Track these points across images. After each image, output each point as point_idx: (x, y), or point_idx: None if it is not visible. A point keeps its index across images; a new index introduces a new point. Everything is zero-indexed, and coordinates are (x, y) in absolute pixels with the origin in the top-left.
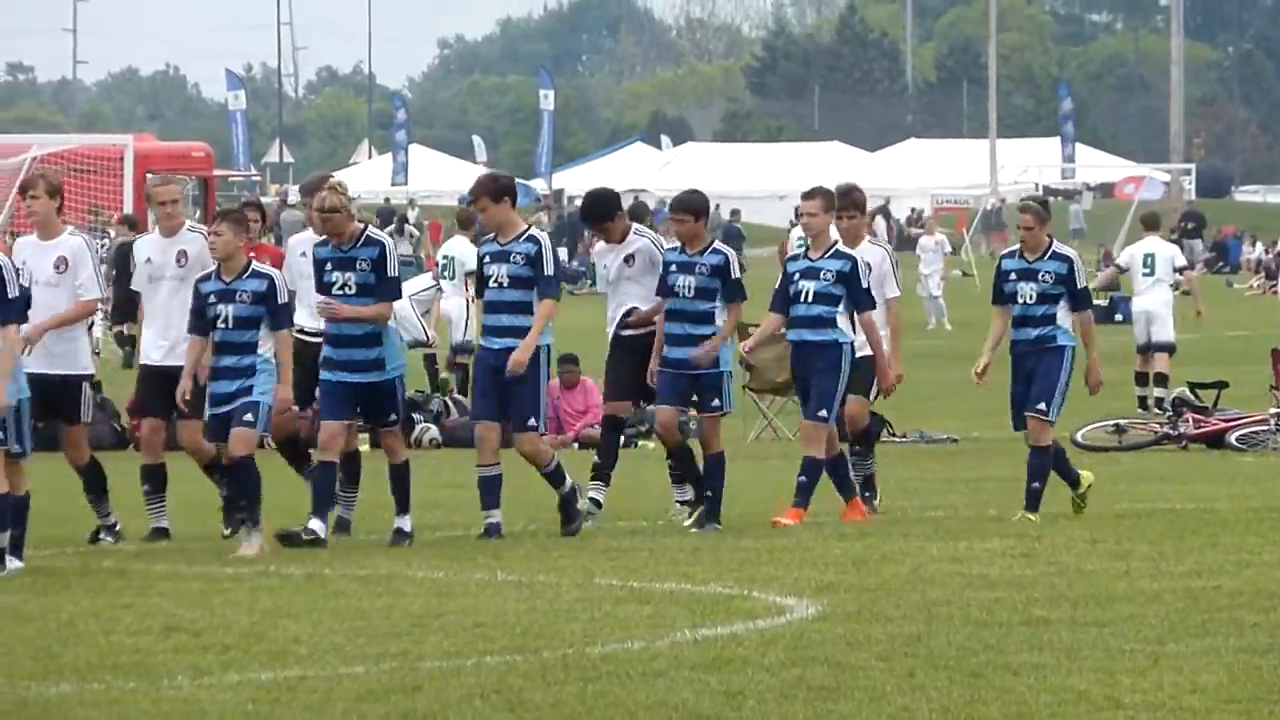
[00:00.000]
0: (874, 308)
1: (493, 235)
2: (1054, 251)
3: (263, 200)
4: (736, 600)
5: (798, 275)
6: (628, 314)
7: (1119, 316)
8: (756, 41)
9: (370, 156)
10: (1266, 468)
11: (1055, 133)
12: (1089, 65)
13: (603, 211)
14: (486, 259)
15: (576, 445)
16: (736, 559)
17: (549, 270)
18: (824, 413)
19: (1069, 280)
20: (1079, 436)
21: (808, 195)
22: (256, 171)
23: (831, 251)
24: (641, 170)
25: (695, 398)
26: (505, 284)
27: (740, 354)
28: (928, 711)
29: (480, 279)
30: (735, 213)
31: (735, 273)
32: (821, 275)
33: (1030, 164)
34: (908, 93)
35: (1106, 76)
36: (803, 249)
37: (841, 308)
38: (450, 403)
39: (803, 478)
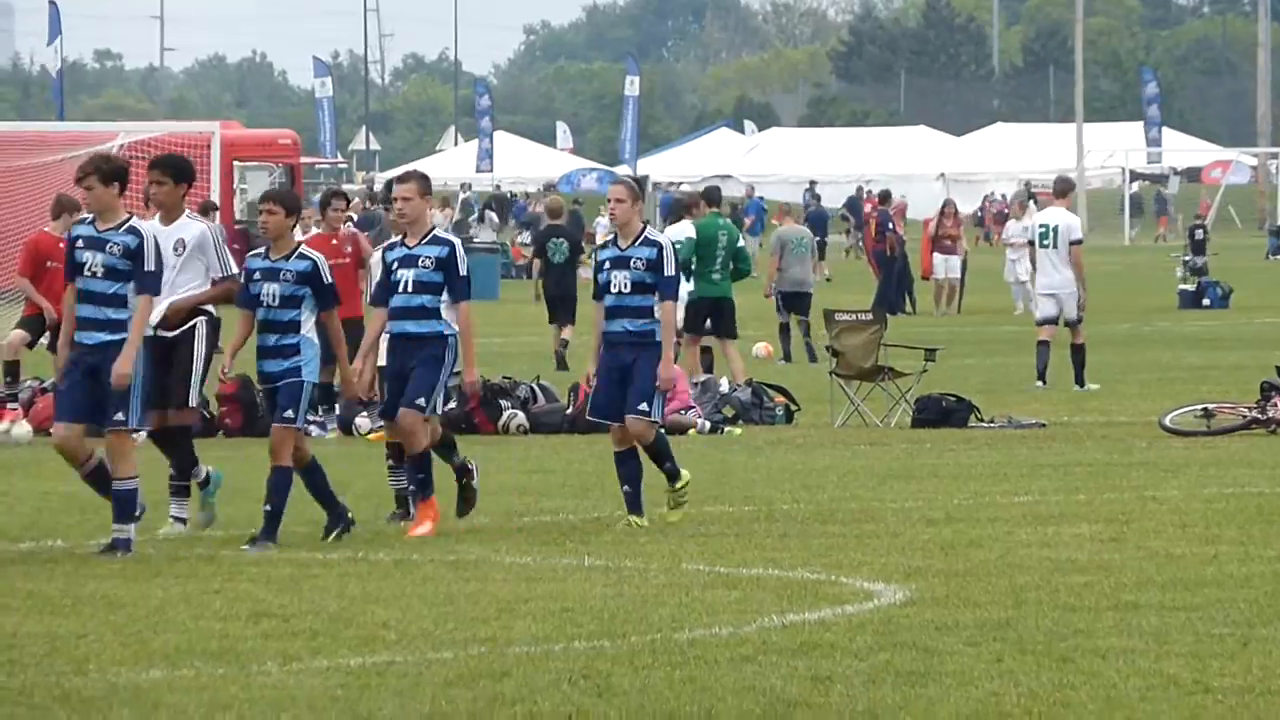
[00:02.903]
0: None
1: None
2: (646, 238)
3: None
4: (824, 585)
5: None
6: None
7: (1206, 301)
8: (843, 26)
9: (456, 144)
10: None
11: (1141, 117)
12: (1176, 49)
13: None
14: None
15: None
16: (824, 544)
17: (149, 267)
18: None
19: (659, 268)
20: (1167, 421)
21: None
22: (343, 159)
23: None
24: (726, 156)
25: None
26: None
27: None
28: (1016, 696)
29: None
30: (816, 196)
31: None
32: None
33: (1116, 148)
34: (994, 77)
35: (1193, 60)
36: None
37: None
38: (537, 389)
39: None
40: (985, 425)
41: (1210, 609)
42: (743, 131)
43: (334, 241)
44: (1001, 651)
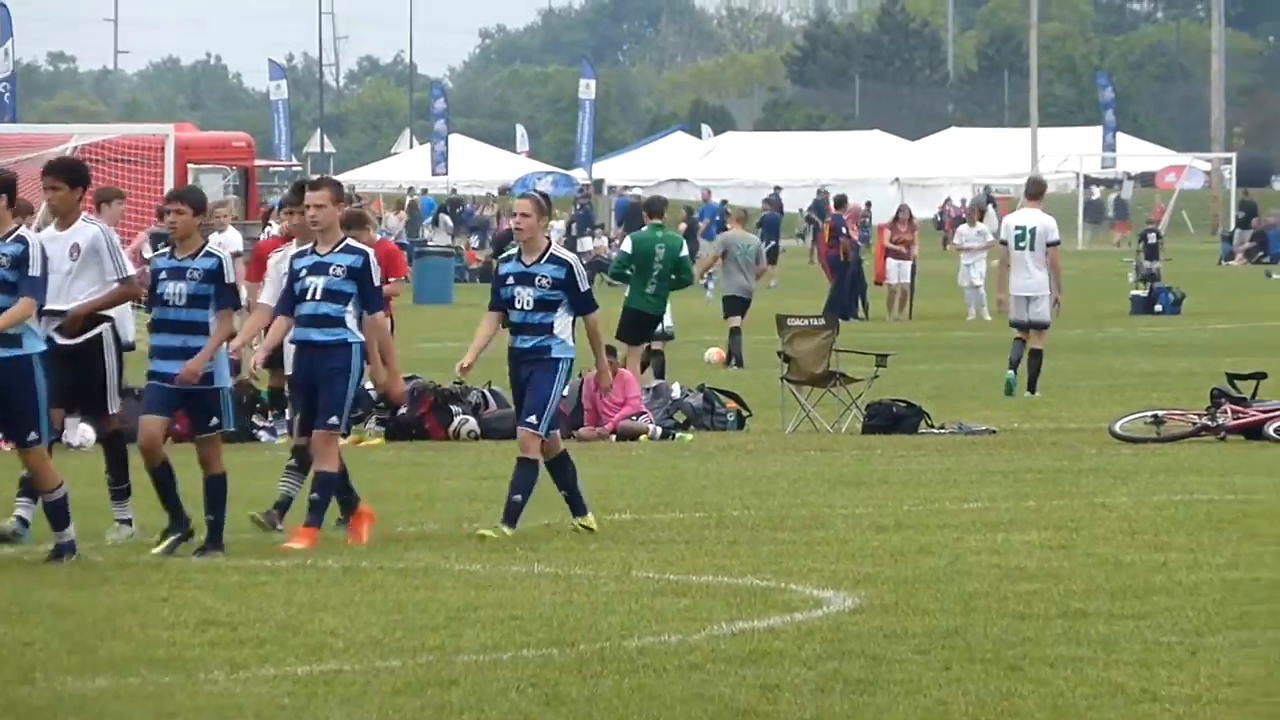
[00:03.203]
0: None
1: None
2: (553, 255)
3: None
4: (773, 593)
5: (511, 280)
6: None
7: (1158, 307)
8: (798, 30)
9: (411, 146)
10: None
11: (1096, 122)
12: (1130, 54)
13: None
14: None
15: (614, 437)
16: (773, 551)
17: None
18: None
19: (569, 285)
20: (1117, 427)
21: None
22: (298, 162)
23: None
24: (682, 160)
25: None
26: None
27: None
28: (964, 705)
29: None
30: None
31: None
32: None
33: (1071, 153)
34: (949, 82)
35: (1148, 65)
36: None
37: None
38: (489, 394)
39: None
40: (936, 431)
41: (1159, 617)
42: (699, 136)
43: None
44: (950, 659)
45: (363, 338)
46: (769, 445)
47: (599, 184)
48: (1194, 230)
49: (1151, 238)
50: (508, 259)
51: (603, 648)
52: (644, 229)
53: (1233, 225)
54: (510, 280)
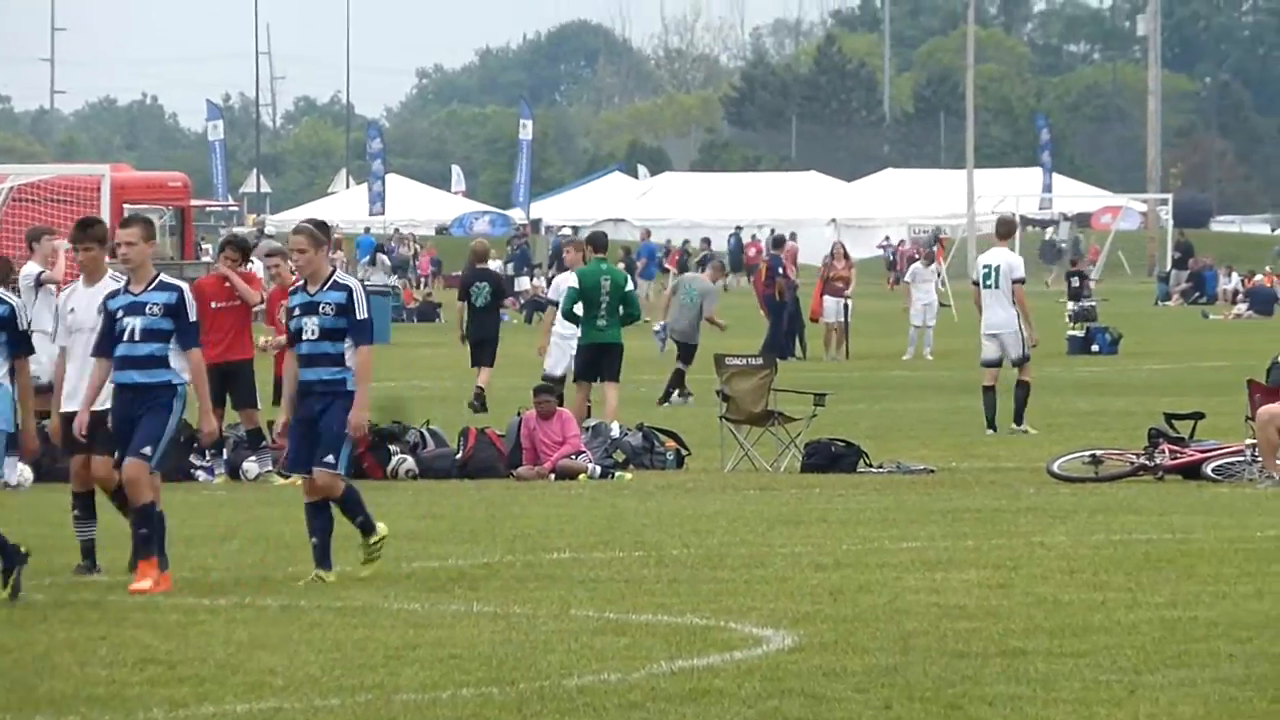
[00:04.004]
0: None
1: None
2: (335, 281)
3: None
4: (713, 631)
5: (298, 311)
6: None
7: (1095, 347)
8: (734, 71)
9: (348, 186)
10: (1243, 499)
11: (1033, 163)
12: (1066, 96)
13: None
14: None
15: (553, 476)
16: (713, 589)
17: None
18: (331, 458)
19: (349, 310)
20: (1055, 467)
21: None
22: (234, 201)
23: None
24: (620, 200)
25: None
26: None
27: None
28: None
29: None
30: (706, 241)
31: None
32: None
33: (1008, 194)
34: (885, 123)
35: (1084, 107)
36: (302, 283)
37: (173, 343)
38: (427, 434)
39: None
40: (874, 470)
41: (1098, 655)
42: (636, 176)
43: (226, 284)
44: (890, 698)
45: (186, 378)
46: (708, 484)
47: (536, 224)
48: (1130, 271)
49: (1075, 280)
50: (295, 291)
51: (542, 686)
52: (586, 265)
53: (1169, 266)
54: (297, 311)
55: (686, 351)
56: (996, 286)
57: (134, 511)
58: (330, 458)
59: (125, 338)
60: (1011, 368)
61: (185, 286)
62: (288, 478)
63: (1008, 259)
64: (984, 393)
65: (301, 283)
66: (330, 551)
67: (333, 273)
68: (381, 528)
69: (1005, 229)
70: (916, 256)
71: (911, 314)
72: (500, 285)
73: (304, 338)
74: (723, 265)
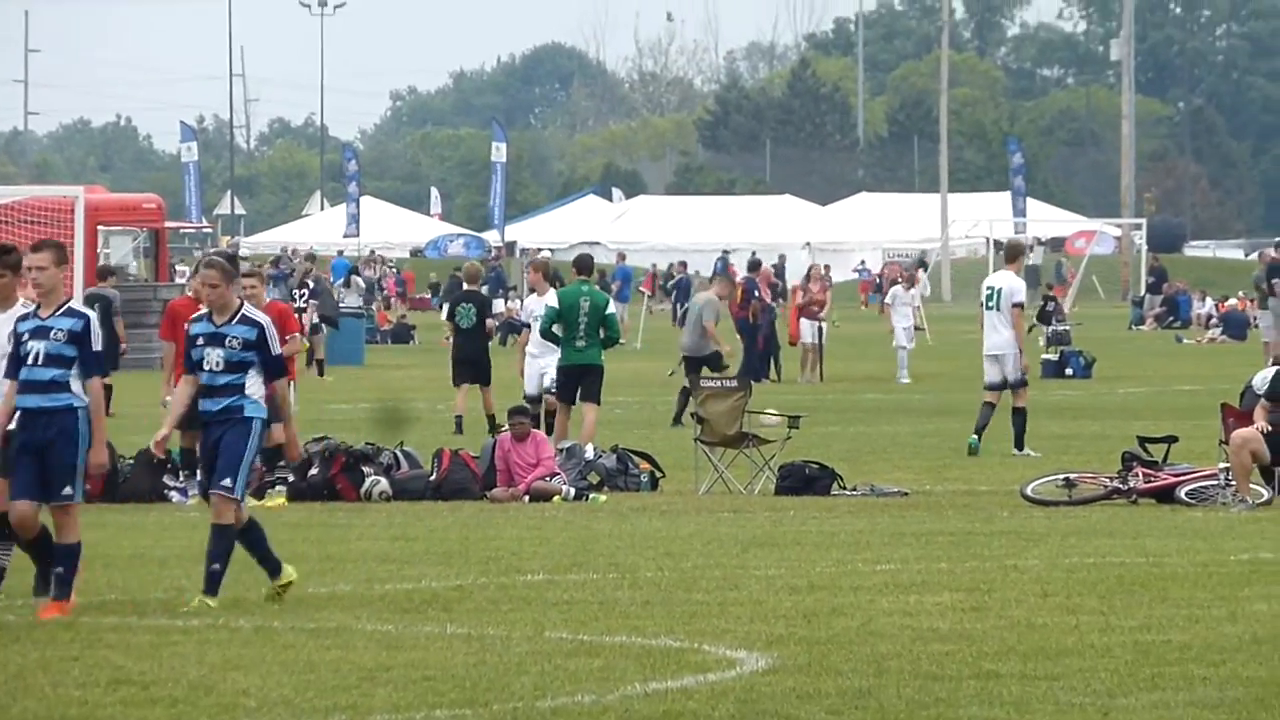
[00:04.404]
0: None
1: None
2: (244, 315)
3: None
4: (687, 653)
5: (201, 340)
6: None
7: (1069, 371)
8: (709, 95)
9: (322, 208)
10: (1216, 523)
11: (1006, 187)
12: (1040, 120)
13: None
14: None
15: (527, 498)
16: (687, 612)
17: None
18: (227, 481)
19: (260, 346)
20: (1028, 490)
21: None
22: (208, 223)
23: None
24: (594, 223)
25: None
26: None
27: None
28: None
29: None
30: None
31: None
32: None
33: (981, 218)
34: (859, 147)
35: (1058, 131)
36: (208, 313)
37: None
38: (400, 455)
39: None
40: (848, 493)
41: (1071, 678)
42: (610, 199)
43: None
44: None
45: (87, 401)
46: (682, 506)
47: (511, 246)
48: (1104, 295)
49: (1049, 304)
50: (199, 319)
51: (516, 708)
52: (567, 286)
53: (1143, 290)
54: (200, 341)
55: (694, 367)
56: (998, 308)
57: (56, 548)
58: (227, 480)
59: (29, 362)
60: (1009, 390)
61: (92, 315)
62: (261, 499)
63: (1010, 282)
64: (982, 406)
65: (206, 312)
66: (275, 556)
67: (241, 306)
68: (289, 571)
69: (1013, 252)
70: (898, 279)
71: (895, 337)
72: (486, 307)
73: (206, 368)
74: (730, 281)
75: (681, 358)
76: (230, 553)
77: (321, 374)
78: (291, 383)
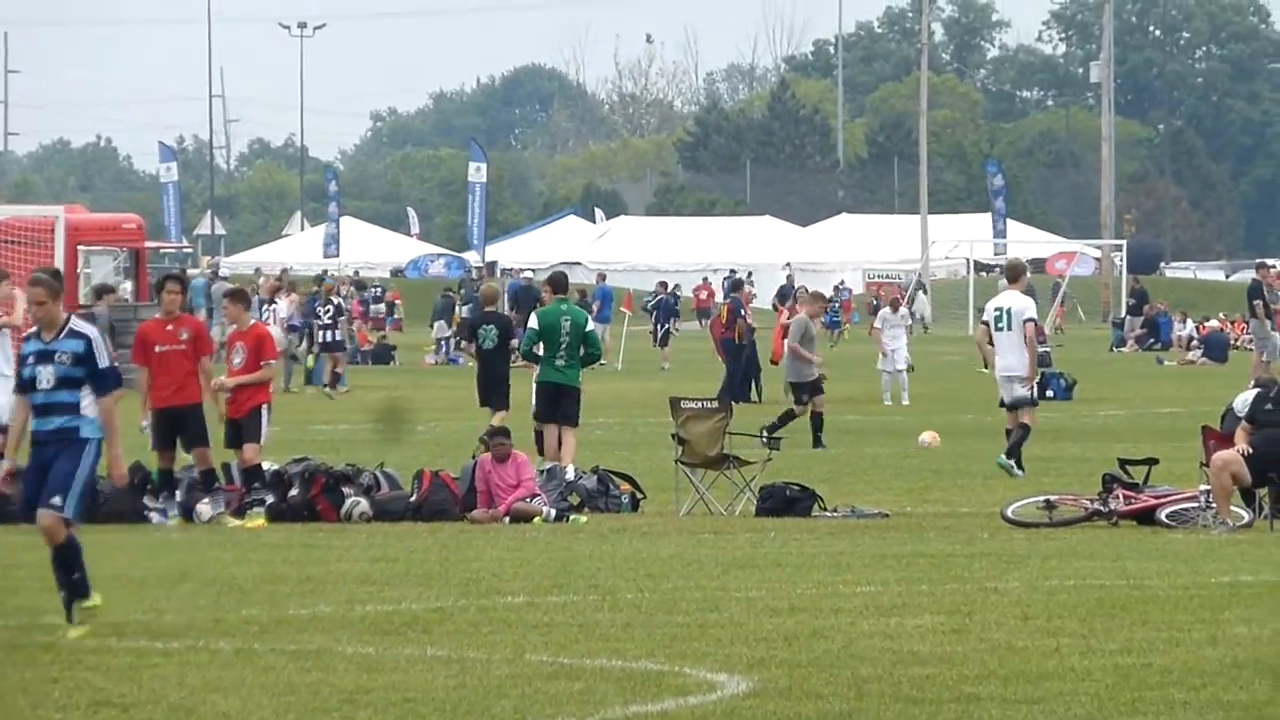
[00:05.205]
0: (110, 390)
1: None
2: (72, 330)
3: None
4: (668, 677)
5: (31, 359)
6: None
7: (1050, 393)
8: (689, 116)
9: (303, 228)
10: (1197, 545)
11: (986, 208)
12: (1020, 142)
13: None
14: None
15: (508, 519)
16: (668, 634)
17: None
18: (58, 499)
19: (88, 359)
20: (1009, 511)
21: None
22: (188, 243)
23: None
24: (575, 243)
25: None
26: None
27: None
28: None
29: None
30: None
31: (102, 360)
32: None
33: (961, 239)
34: (839, 168)
35: (1038, 153)
36: (36, 330)
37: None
38: (381, 476)
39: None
40: (829, 515)
41: (1052, 702)
42: (591, 219)
43: (169, 326)
44: None
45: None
46: (663, 528)
47: (491, 266)
48: (1085, 317)
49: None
50: (29, 338)
51: None
52: (547, 305)
53: (1124, 312)
54: (31, 360)
55: (793, 390)
56: (1010, 329)
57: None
58: (57, 499)
59: (39, 385)
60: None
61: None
62: (241, 519)
63: (1018, 301)
64: (1007, 435)
65: (35, 330)
66: (88, 578)
67: (68, 320)
68: (96, 598)
69: (1014, 271)
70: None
71: (880, 361)
72: (508, 328)
73: (39, 387)
74: (817, 296)
75: (788, 384)
76: (80, 556)
77: (335, 385)
78: (267, 405)
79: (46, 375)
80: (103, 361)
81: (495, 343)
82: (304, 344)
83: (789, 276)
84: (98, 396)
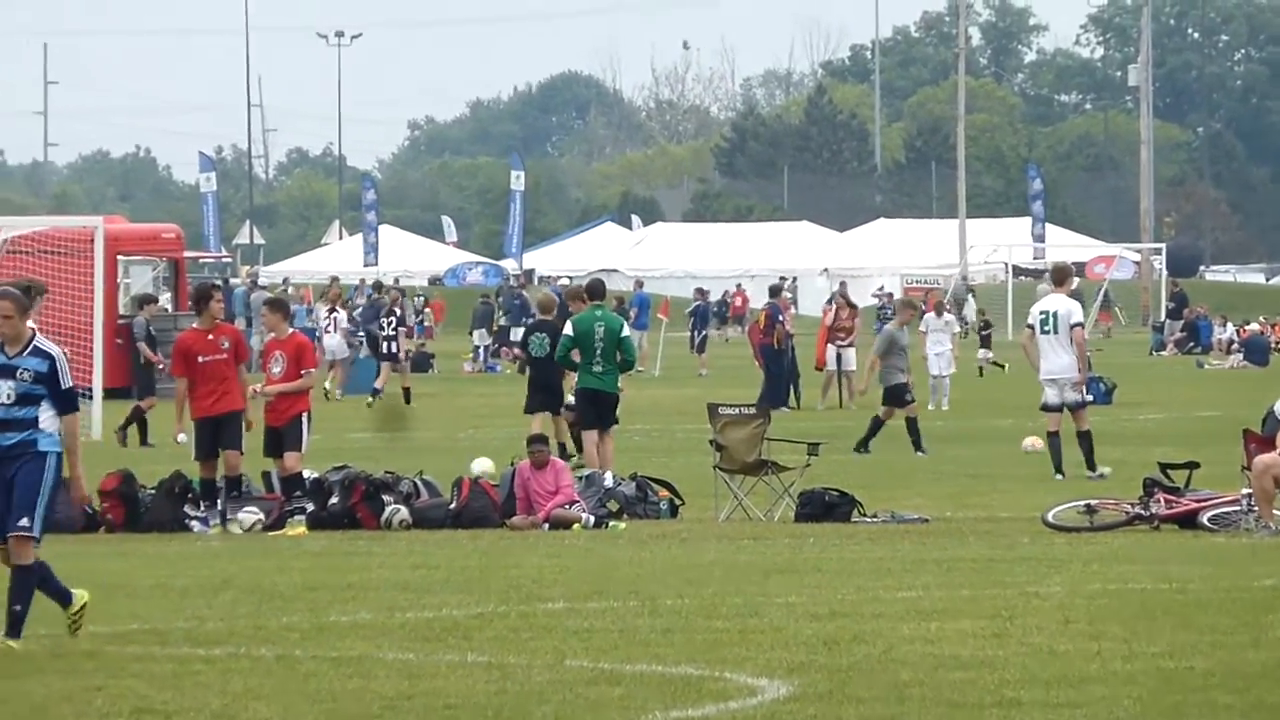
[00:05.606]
0: (74, 409)
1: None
2: (36, 347)
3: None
4: (708, 681)
5: None
6: None
7: (1090, 397)
8: (726, 122)
9: (341, 237)
10: (1238, 548)
11: (1025, 212)
12: (1058, 146)
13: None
14: None
15: (547, 526)
16: (708, 640)
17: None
18: (25, 521)
19: (51, 380)
20: (1050, 516)
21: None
22: (227, 253)
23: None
24: (612, 250)
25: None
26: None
27: None
28: None
29: None
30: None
31: (65, 380)
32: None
33: (1000, 244)
34: (876, 173)
35: (1076, 157)
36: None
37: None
38: (420, 484)
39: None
40: (868, 520)
41: (1094, 706)
42: (629, 226)
43: (210, 336)
44: None
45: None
46: (702, 534)
47: (530, 274)
48: (1125, 321)
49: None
50: None
51: None
52: (581, 312)
53: (1163, 316)
54: None
55: (887, 395)
56: (1056, 332)
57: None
58: (24, 520)
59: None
60: (1072, 411)
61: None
62: (282, 528)
63: (1065, 304)
64: (1049, 439)
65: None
66: (25, 621)
67: (33, 338)
68: (81, 594)
69: (1060, 274)
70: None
71: (928, 365)
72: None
73: None
74: (910, 305)
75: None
76: (33, 593)
77: (408, 401)
78: (307, 414)
79: (6, 390)
80: (65, 382)
81: (546, 350)
82: (365, 350)
83: (840, 281)
84: (60, 415)
